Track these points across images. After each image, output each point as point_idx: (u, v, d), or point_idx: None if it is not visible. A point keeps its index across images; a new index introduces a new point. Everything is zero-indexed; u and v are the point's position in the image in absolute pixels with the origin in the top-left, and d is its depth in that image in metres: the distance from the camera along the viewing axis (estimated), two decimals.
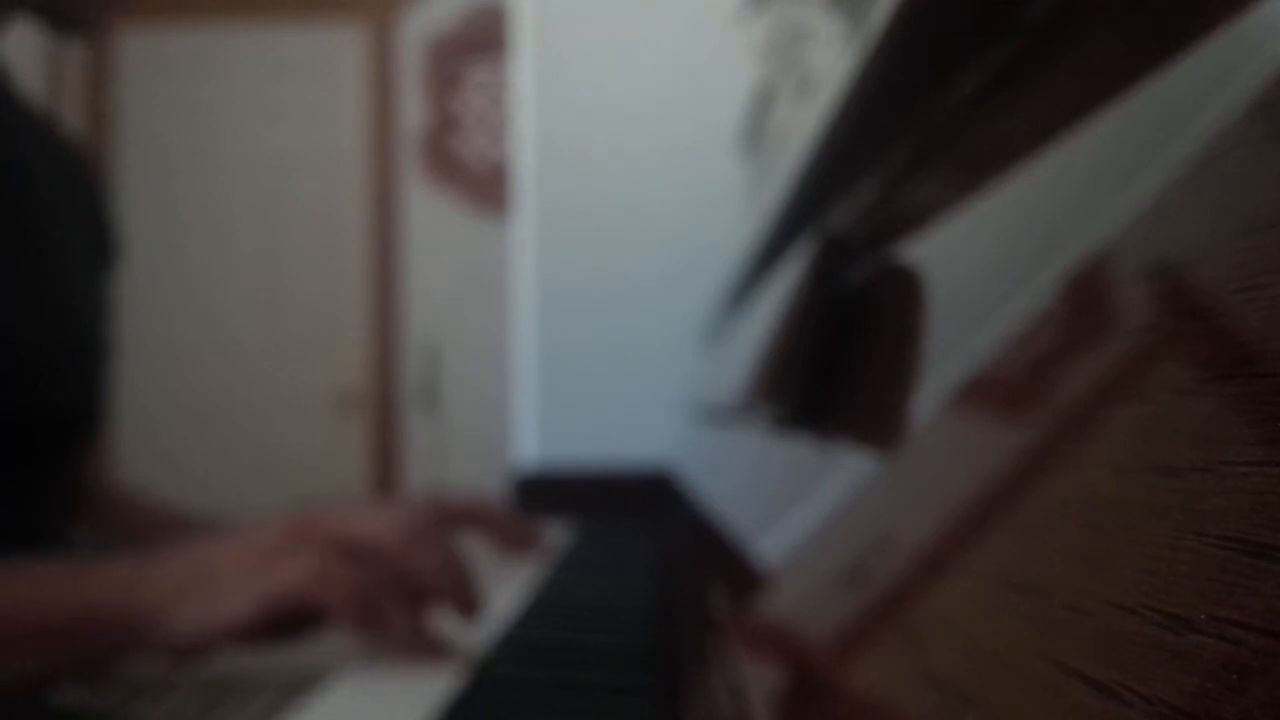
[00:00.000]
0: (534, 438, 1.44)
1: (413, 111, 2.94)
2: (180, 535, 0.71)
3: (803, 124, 0.48)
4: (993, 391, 0.20)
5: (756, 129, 1.20)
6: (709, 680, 0.33)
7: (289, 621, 0.49)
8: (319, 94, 2.95)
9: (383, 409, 2.93)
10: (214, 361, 2.96)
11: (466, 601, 0.52)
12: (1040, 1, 0.24)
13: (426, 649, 0.50)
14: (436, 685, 0.46)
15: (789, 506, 0.34)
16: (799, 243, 0.47)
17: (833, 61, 0.87)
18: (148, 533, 0.74)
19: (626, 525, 1.07)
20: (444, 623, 0.52)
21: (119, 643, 0.48)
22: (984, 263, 0.23)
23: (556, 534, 0.98)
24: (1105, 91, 0.19)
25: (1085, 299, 0.17)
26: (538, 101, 1.47)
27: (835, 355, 0.34)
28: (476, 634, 0.54)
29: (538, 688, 0.45)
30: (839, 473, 0.29)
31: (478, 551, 0.74)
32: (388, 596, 0.49)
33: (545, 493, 1.22)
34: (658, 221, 1.44)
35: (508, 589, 0.69)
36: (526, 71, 1.48)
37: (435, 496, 0.60)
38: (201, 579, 0.49)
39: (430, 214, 2.93)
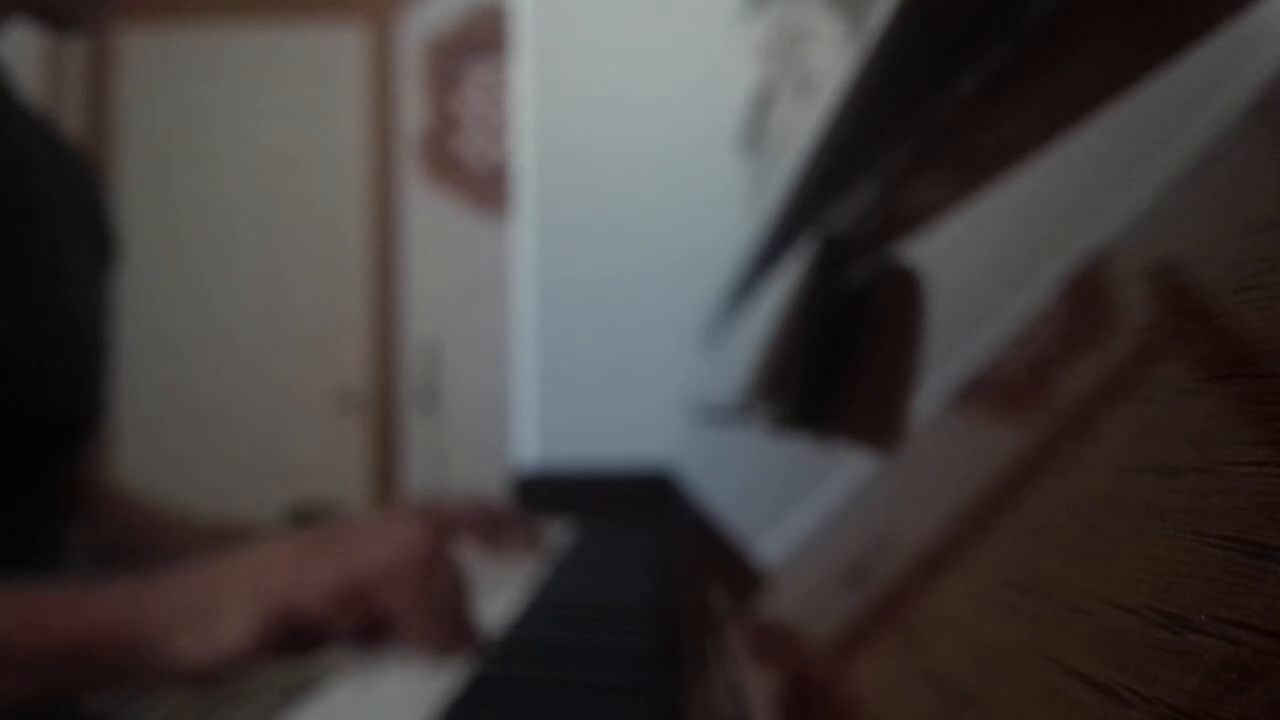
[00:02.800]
0: (534, 438, 1.44)
1: (413, 111, 2.94)
2: (182, 537, 0.71)
3: (803, 124, 0.48)
4: (993, 391, 0.20)
5: (756, 129, 1.20)
6: (709, 680, 0.33)
7: (291, 640, 0.49)
8: (319, 94, 2.95)
9: (383, 409, 2.93)
10: (214, 361, 2.96)
11: (456, 636, 0.51)
12: (1040, 2, 0.24)
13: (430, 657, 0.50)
14: (436, 685, 0.46)
15: (789, 506, 0.34)
16: (799, 243, 0.47)
17: (833, 61, 0.87)
18: (156, 538, 0.74)
19: (627, 525, 1.07)
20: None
21: (121, 667, 0.48)
22: (984, 263, 0.23)
23: (556, 534, 0.98)
24: (1105, 91, 0.19)
25: (1085, 299, 0.17)
26: (538, 101, 1.47)
27: (835, 355, 0.34)
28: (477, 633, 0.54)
29: (538, 688, 0.45)
30: (839, 473, 0.29)
31: (477, 556, 0.74)
32: (391, 618, 0.49)
33: (545, 493, 1.22)
34: (658, 222, 1.44)
35: (508, 589, 0.69)
36: (526, 71, 1.48)
37: (432, 505, 0.59)
38: (203, 598, 0.48)
39: (430, 214, 2.93)
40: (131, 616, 0.48)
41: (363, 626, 0.49)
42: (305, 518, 2.56)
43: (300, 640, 0.49)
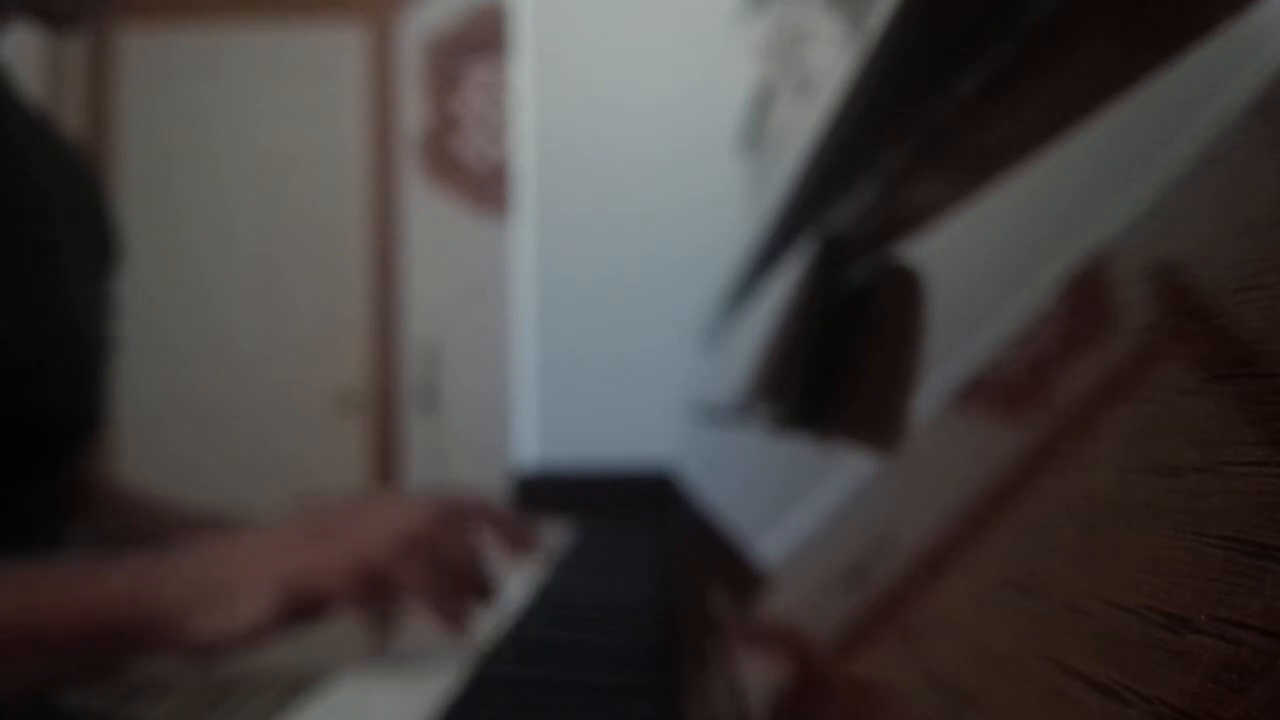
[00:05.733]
0: (534, 438, 1.44)
1: (413, 111, 2.94)
2: (191, 534, 0.71)
3: (803, 124, 0.48)
4: (993, 391, 0.20)
5: (756, 129, 1.20)
6: (709, 680, 0.33)
7: (303, 614, 0.49)
8: (319, 94, 2.95)
9: (383, 409, 2.93)
10: (214, 361, 2.96)
11: (483, 588, 0.53)
12: (1040, 2, 0.24)
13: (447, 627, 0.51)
14: (436, 685, 0.46)
15: (789, 506, 0.34)
16: (799, 243, 0.47)
17: (833, 61, 0.87)
18: (157, 532, 0.74)
19: (626, 525, 1.07)
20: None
21: (136, 642, 0.48)
22: (984, 263, 0.23)
23: (556, 534, 0.98)
24: (1105, 91, 0.19)
25: (1085, 299, 0.17)
26: (538, 101, 1.47)
27: (835, 355, 0.34)
28: (479, 631, 0.54)
29: (538, 688, 0.45)
30: (839, 473, 0.29)
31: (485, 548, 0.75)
32: (407, 586, 0.50)
33: (545, 493, 1.22)
34: (658, 222, 1.44)
35: (508, 588, 0.69)
36: (526, 71, 1.48)
37: (438, 495, 0.60)
38: (219, 577, 0.49)
39: (430, 214, 2.93)
40: (145, 592, 0.48)
41: (375, 602, 0.50)
42: None
43: (313, 609, 0.49)
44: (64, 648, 0.47)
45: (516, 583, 0.72)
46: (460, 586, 0.52)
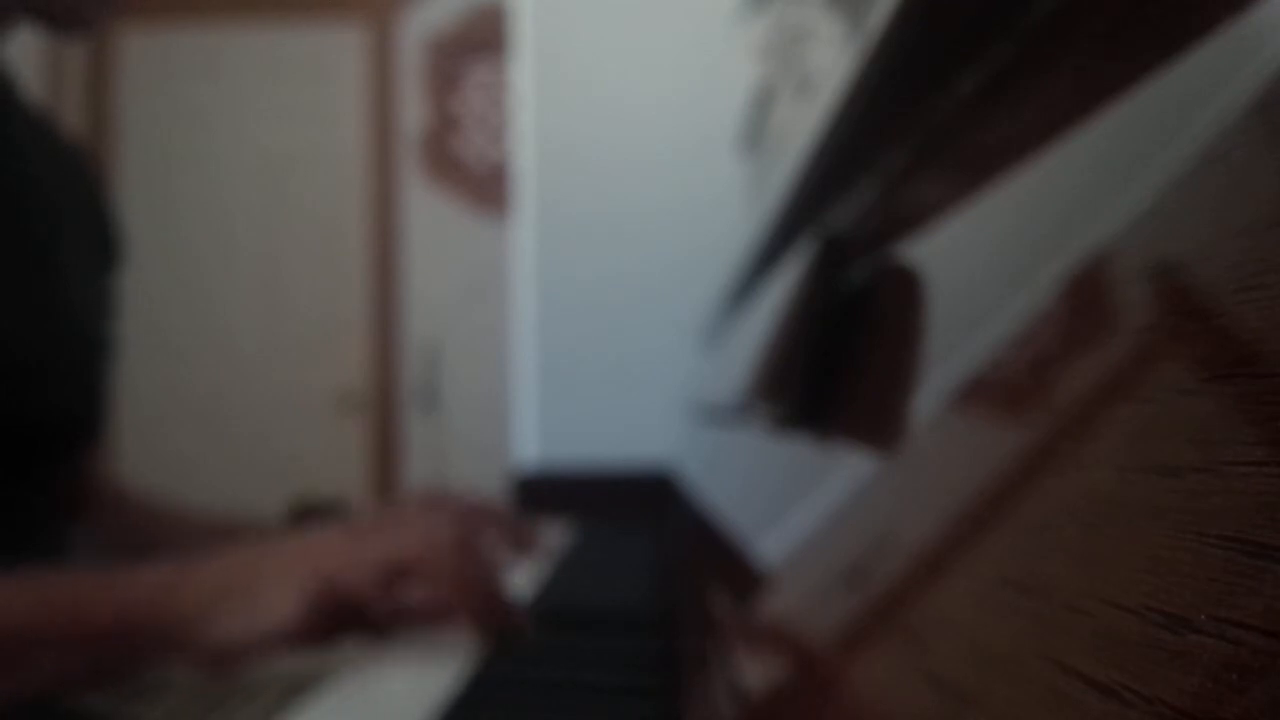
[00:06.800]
0: (534, 438, 1.44)
1: (413, 111, 2.94)
2: (198, 535, 0.71)
3: (803, 124, 0.48)
4: (993, 391, 0.20)
5: (756, 129, 1.20)
6: (709, 680, 0.33)
7: (333, 624, 0.49)
8: (319, 94, 2.95)
9: (383, 409, 2.93)
10: (214, 361, 2.96)
11: (497, 613, 0.53)
12: (1040, 2, 0.24)
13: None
14: (436, 685, 0.46)
15: (789, 506, 0.34)
16: (799, 243, 0.47)
17: (833, 61, 0.87)
18: (159, 533, 0.74)
19: (626, 525, 1.07)
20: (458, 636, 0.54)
21: (156, 648, 0.48)
22: (984, 263, 0.23)
23: (556, 534, 0.98)
24: (1105, 92, 0.19)
25: (1085, 299, 0.17)
26: (538, 101, 1.47)
27: (835, 355, 0.34)
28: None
29: (538, 688, 0.45)
30: (839, 473, 0.29)
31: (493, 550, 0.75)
32: (438, 583, 0.50)
33: (545, 493, 1.22)
34: (658, 222, 1.44)
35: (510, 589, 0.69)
36: (526, 71, 1.48)
37: (446, 495, 0.60)
38: (245, 578, 0.48)
39: (430, 214, 2.93)
40: (168, 597, 0.48)
41: (398, 611, 0.50)
42: (307, 511, 2.56)
43: (341, 622, 0.49)
44: (85, 651, 0.47)
45: (516, 583, 0.72)
46: (488, 591, 0.53)
